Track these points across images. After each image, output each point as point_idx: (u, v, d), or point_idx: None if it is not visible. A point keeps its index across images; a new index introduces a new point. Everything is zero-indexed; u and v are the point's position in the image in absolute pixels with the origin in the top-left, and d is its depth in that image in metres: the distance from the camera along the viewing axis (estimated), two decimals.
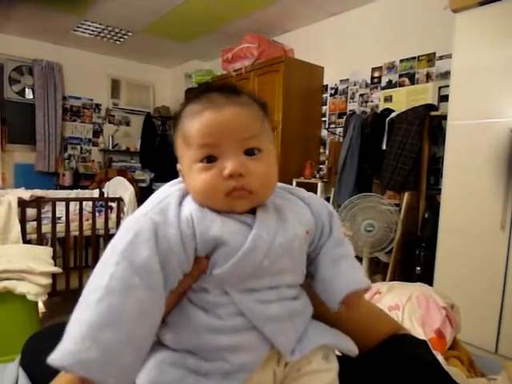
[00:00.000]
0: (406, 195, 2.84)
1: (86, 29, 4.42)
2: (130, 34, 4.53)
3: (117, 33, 4.52)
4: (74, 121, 5.32)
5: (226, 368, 0.45)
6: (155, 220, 0.45)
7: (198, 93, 0.52)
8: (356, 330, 0.62)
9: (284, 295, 0.50)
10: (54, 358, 0.38)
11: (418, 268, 2.66)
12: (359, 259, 3.05)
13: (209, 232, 0.46)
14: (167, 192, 0.51)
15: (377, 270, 3.14)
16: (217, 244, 0.47)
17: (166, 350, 0.48)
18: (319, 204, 0.56)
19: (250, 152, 0.49)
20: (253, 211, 0.50)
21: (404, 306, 1.29)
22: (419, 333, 1.19)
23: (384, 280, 2.85)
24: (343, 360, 0.58)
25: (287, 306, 0.49)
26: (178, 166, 0.55)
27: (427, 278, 2.41)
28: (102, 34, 4.59)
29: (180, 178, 0.55)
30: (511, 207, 2.11)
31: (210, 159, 0.48)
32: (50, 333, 0.94)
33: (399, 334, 0.69)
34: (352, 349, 0.54)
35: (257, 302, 0.47)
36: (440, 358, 1.06)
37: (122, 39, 4.74)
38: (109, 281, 0.41)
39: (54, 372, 0.53)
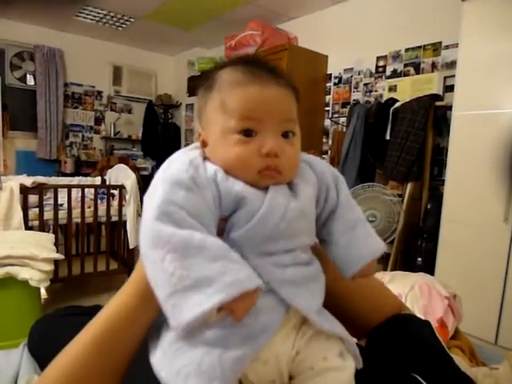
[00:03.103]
0: (409, 186, 2.82)
1: (87, 14, 4.37)
2: (132, 20, 4.48)
3: (119, 19, 4.48)
4: (76, 108, 5.30)
5: (247, 332, 0.45)
6: (191, 175, 0.47)
7: (240, 61, 0.52)
8: (364, 305, 0.65)
9: (298, 259, 0.50)
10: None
11: (420, 259, 2.67)
12: None
13: (232, 189, 0.47)
14: (192, 154, 0.51)
15: (378, 260, 3.12)
16: (238, 203, 0.47)
17: None
18: (322, 166, 0.56)
19: (286, 134, 0.51)
20: None
21: (407, 295, 1.29)
22: None
23: (385, 270, 2.86)
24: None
25: (302, 271, 0.50)
26: (199, 131, 0.54)
27: (428, 268, 2.41)
28: (104, 20, 4.55)
29: (193, 145, 0.54)
30: None
31: (249, 133, 0.49)
32: (56, 317, 0.95)
33: (404, 313, 0.69)
34: (356, 352, 0.52)
35: (273, 266, 0.48)
36: None
37: (124, 25, 4.69)
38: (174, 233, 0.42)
39: None
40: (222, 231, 0.48)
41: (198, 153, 0.52)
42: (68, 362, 0.51)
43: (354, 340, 0.54)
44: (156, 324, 0.52)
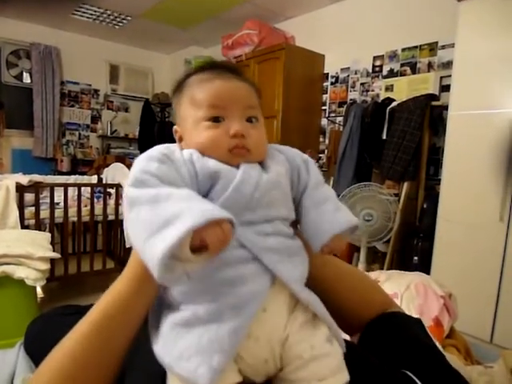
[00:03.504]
0: (406, 185, 2.84)
1: (84, 12, 4.35)
2: (129, 18, 4.47)
3: (116, 17, 4.46)
4: (72, 106, 5.28)
5: (236, 302, 0.47)
6: (165, 152, 0.52)
7: (204, 67, 0.59)
8: (353, 297, 0.68)
9: (279, 229, 0.54)
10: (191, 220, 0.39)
11: (416, 258, 2.68)
12: (357, 248, 3.07)
13: (207, 166, 0.52)
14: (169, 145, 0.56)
15: (375, 260, 3.16)
16: (214, 179, 0.51)
17: (175, 313, 0.50)
18: (293, 152, 0.62)
19: (249, 119, 0.57)
20: None
21: (402, 294, 1.30)
22: None
23: (382, 269, 2.87)
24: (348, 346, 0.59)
25: (283, 242, 0.53)
26: (176, 127, 0.60)
27: (424, 267, 2.42)
28: (100, 18, 4.53)
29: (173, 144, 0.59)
30: (510, 199, 2.12)
31: (217, 119, 0.55)
32: (53, 316, 0.95)
33: (395, 311, 0.70)
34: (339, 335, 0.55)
35: (255, 234, 0.51)
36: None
37: (120, 24, 4.68)
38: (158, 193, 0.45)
39: None
40: None
41: (175, 145, 0.57)
42: (64, 355, 0.52)
43: (347, 337, 0.54)
44: (154, 316, 0.54)
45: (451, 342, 1.21)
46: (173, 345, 0.47)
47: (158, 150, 0.53)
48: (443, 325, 1.21)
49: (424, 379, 0.53)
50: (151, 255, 0.39)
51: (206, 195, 0.51)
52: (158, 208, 0.42)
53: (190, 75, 0.60)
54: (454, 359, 1.00)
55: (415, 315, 1.23)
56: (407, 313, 1.24)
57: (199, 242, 0.40)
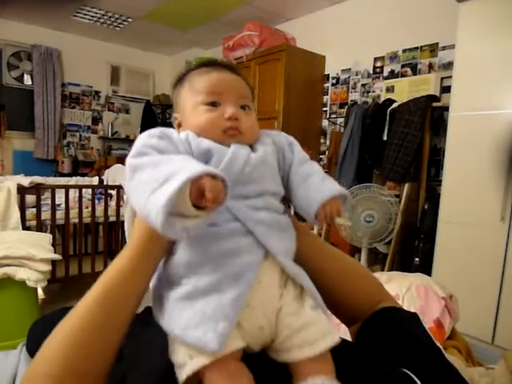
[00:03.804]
0: (407, 186, 2.83)
1: (85, 14, 4.36)
2: (130, 20, 4.48)
3: (117, 19, 4.47)
4: (73, 108, 5.29)
5: (234, 270, 0.52)
6: (164, 131, 0.58)
7: (203, 63, 0.66)
8: (347, 282, 0.71)
9: (269, 204, 0.58)
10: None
11: (417, 259, 2.68)
12: (357, 249, 3.06)
13: (201, 145, 0.57)
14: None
15: (376, 261, 3.16)
16: (207, 156, 0.56)
17: (177, 288, 0.53)
18: (280, 135, 0.68)
19: (243, 107, 0.63)
20: None
21: (404, 295, 1.30)
22: None
23: (383, 270, 2.87)
24: (349, 346, 0.61)
25: (273, 216, 0.58)
26: (175, 115, 0.66)
27: (426, 269, 2.42)
28: (101, 20, 4.54)
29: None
30: (511, 199, 2.12)
31: (214, 104, 0.61)
32: (55, 317, 0.95)
33: (391, 307, 0.70)
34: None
35: (247, 207, 0.55)
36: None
37: (121, 25, 4.69)
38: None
39: None
40: None
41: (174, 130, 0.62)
42: (72, 323, 0.54)
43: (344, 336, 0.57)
44: (157, 295, 0.57)
45: (452, 343, 1.20)
46: (178, 317, 0.51)
47: (158, 129, 0.58)
48: (444, 326, 1.21)
49: (423, 378, 0.53)
50: (154, 208, 0.43)
51: None
52: (159, 168, 0.47)
53: (190, 70, 0.66)
54: (455, 360, 1.00)
55: None
56: None
57: (198, 194, 0.44)
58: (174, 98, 0.68)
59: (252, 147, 0.62)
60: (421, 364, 0.57)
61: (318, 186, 0.61)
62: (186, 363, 0.49)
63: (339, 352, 0.55)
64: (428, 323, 1.19)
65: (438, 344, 0.63)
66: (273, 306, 0.54)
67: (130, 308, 0.56)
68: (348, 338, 0.70)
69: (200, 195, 0.44)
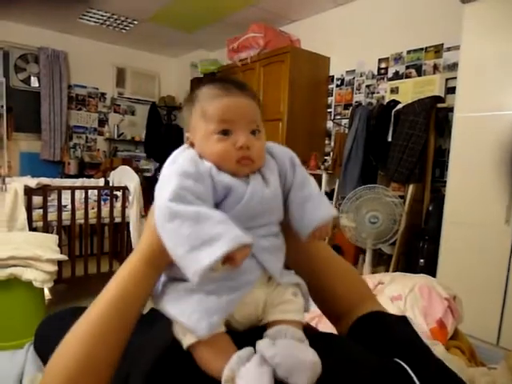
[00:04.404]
0: (411, 187, 2.83)
1: (91, 17, 4.40)
2: (135, 22, 4.51)
3: (122, 21, 4.51)
4: (80, 109, 5.33)
5: (233, 284, 0.59)
6: (195, 168, 0.61)
7: (214, 80, 0.67)
8: (335, 286, 0.77)
9: (271, 231, 0.66)
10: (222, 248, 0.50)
11: (422, 260, 2.67)
12: (362, 251, 3.06)
13: (223, 181, 0.61)
14: (191, 152, 0.65)
15: (380, 262, 3.15)
16: (227, 192, 0.61)
17: (179, 283, 0.61)
18: (282, 153, 0.70)
19: (253, 132, 0.65)
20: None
21: (406, 296, 1.30)
22: (421, 322, 1.20)
23: (387, 271, 2.86)
24: (326, 334, 0.70)
25: (273, 241, 0.66)
26: (188, 135, 0.68)
27: (430, 270, 2.42)
28: (107, 23, 4.58)
29: (185, 145, 0.68)
30: None
31: (226, 132, 0.63)
32: (63, 316, 0.97)
33: (379, 311, 0.72)
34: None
35: (254, 237, 0.59)
36: (441, 347, 1.07)
37: (127, 28, 4.72)
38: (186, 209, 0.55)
39: None
40: None
41: (193, 151, 0.65)
42: (88, 321, 0.62)
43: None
44: (162, 281, 0.65)
45: (455, 343, 1.20)
46: (177, 301, 0.60)
47: (189, 165, 0.61)
48: (447, 326, 1.21)
49: (413, 367, 0.54)
50: (191, 266, 0.50)
51: (220, 202, 0.61)
52: (199, 226, 0.53)
53: (200, 87, 0.67)
54: (456, 360, 1.00)
55: (419, 317, 1.24)
56: (412, 315, 1.24)
57: (228, 258, 0.51)
58: (185, 116, 0.69)
59: (261, 172, 0.66)
60: (409, 356, 0.58)
61: (312, 212, 0.66)
62: (181, 339, 0.60)
63: (326, 341, 0.63)
64: (431, 324, 1.20)
65: (427, 342, 0.67)
66: (262, 300, 0.64)
67: (139, 308, 0.64)
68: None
69: (230, 258, 0.51)
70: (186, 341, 0.59)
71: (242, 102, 0.65)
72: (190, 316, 0.57)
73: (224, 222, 0.54)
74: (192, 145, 0.67)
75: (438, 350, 1.00)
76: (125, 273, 0.64)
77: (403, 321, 0.71)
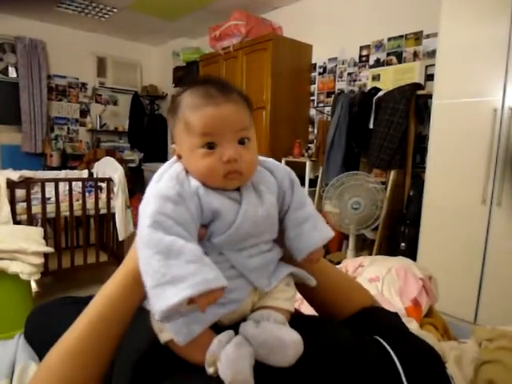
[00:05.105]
0: (393, 173, 2.89)
1: (69, 5, 4.31)
2: (115, 10, 4.43)
3: (101, 9, 4.42)
4: (60, 100, 5.24)
5: (221, 300, 0.56)
6: (178, 190, 0.58)
7: (196, 84, 0.62)
8: (333, 298, 0.76)
9: (262, 249, 0.64)
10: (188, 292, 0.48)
11: (403, 244, 2.75)
12: (346, 236, 3.13)
13: (211, 204, 0.59)
14: (177, 168, 0.62)
15: (363, 247, 3.23)
16: (215, 215, 0.59)
17: None
18: (282, 173, 0.68)
19: (241, 141, 0.61)
20: (237, 188, 0.63)
21: (384, 277, 1.36)
22: (397, 302, 1.27)
23: (370, 255, 2.94)
24: (318, 320, 0.71)
25: (265, 258, 0.64)
26: (174, 146, 0.65)
27: (411, 253, 2.50)
28: (86, 11, 4.48)
29: (174, 158, 0.65)
30: (492, 182, 2.19)
31: (211, 146, 0.59)
32: (53, 306, 0.99)
33: (374, 306, 0.76)
34: (310, 279, 0.69)
35: (244, 258, 0.61)
36: (415, 324, 1.13)
37: (106, 16, 4.64)
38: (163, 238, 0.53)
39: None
40: (202, 236, 0.60)
41: (180, 167, 0.62)
42: (69, 341, 0.62)
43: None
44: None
45: (429, 320, 1.27)
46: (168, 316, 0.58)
47: (172, 186, 0.58)
48: (421, 305, 1.27)
49: (393, 345, 0.59)
50: (158, 302, 0.49)
51: (207, 225, 0.60)
52: (169, 262, 0.50)
53: (182, 93, 0.62)
54: (429, 335, 1.06)
55: (395, 297, 1.30)
56: (388, 295, 1.30)
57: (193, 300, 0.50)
58: (170, 124, 0.66)
59: (255, 188, 0.64)
60: (391, 335, 0.63)
61: (308, 234, 0.65)
62: (158, 334, 0.61)
63: (310, 323, 0.66)
64: (406, 302, 1.26)
65: (418, 332, 0.72)
66: (251, 306, 0.65)
67: (128, 318, 0.65)
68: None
69: (195, 301, 0.49)
70: (163, 337, 0.60)
71: (227, 110, 0.59)
72: (176, 321, 0.56)
73: (195, 261, 0.51)
74: (180, 157, 0.63)
75: (412, 326, 1.06)
76: (112, 288, 0.64)
77: (394, 314, 0.75)
